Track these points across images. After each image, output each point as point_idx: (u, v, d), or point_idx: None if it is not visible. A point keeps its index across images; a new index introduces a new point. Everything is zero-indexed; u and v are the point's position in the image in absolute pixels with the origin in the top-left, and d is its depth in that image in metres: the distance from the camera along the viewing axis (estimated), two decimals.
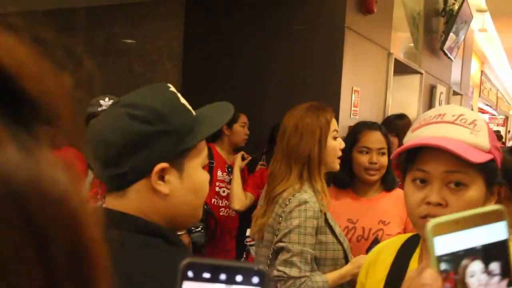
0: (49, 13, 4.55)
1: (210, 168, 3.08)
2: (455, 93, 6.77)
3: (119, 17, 4.21)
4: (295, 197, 1.70)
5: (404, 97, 5.01)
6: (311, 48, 3.36)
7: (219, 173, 3.09)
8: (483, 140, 0.91)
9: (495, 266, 0.53)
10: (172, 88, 0.97)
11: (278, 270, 1.65)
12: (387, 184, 2.09)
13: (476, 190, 0.91)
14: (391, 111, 4.06)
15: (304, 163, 1.75)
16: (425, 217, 0.92)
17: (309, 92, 3.28)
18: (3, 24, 0.26)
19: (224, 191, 3.05)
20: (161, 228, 0.90)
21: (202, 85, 3.73)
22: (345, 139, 2.03)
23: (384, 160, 2.05)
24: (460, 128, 0.92)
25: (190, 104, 1.00)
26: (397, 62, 4.23)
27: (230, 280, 0.39)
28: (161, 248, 0.88)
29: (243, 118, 3.16)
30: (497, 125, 13.93)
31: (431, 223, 0.52)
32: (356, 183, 2.09)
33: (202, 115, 0.97)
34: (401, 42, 4.80)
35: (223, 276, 0.39)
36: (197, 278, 0.39)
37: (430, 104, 5.65)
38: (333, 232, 1.75)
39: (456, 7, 5.48)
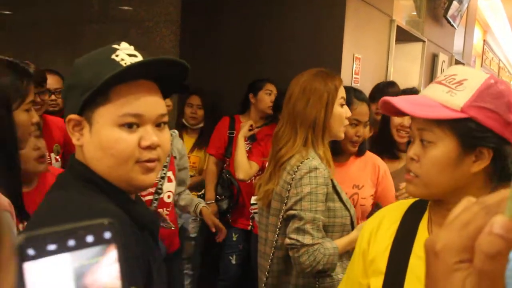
0: None
1: (230, 138, 3.10)
2: (457, 62, 6.69)
3: None
4: (304, 163, 1.68)
5: (406, 66, 4.94)
6: (312, 15, 3.27)
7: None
8: (459, 99, 0.90)
9: None
10: (117, 45, 0.95)
11: (291, 238, 1.64)
12: (360, 150, 2.12)
13: (442, 148, 0.93)
14: (393, 79, 3.99)
15: (309, 127, 1.72)
16: (407, 171, 1.00)
17: (310, 60, 3.21)
18: None
19: None
20: (92, 174, 0.93)
21: (200, 53, 3.66)
22: None
23: (366, 131, 2.10)
24: (438, 87, 0.94)
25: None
26: (399, 29, 4.15)
27: (80, 244, 0.34)
28: (76, 191, 0.91)
29: (268, 86, 3.12)
30: None
31: None
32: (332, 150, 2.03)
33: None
34: (403, 9, 4.70)
35: (71, 242, 0.34)
36: (41, 254, 0.33)
37: (431, 73, 5.58)
38: (340, 199, 1.75)
39: None
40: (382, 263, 1.04)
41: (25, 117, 1.40)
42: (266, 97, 3.11)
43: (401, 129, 2.32)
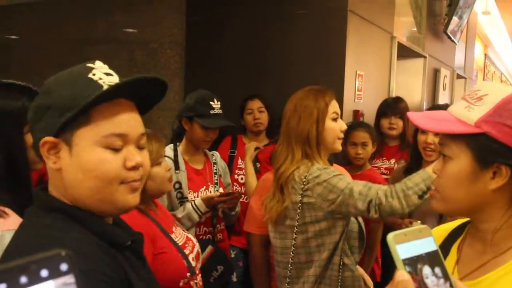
0: (49, 3, 4.53)
1: (231, 158, 3.12)
2: (459, 77, 6.72)
3: (120, 5, 4.18)
4: (313, 168, 1.75)
5: (408, 81, 4.98)
6: (313, 33, 3.32)
7: (239, 161, 3.10)
8: (474, 114, 0.88)
9: (438, 270, 0.65)
10: (92, 64, 0.93)
11: (365, 209, 1.65)
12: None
13: (458, 163, 0.91)
14: (395, 94, 4.03)
15: (304, 143, 1.80)
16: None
17: (312, 78, 3.25)
18: None
19: (242, 178, 3.05)
20: (59, 202, 0.90)
21: (204, 72, 3.71)
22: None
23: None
24: (461, 102, 0.93)
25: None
26: (400, 45, 4.19)
27: (34, 280, 0.32)
28: (43, 224, 0.88)
29: (250, 105, 3.14)
30: None
31: (391, 234, 0.65)
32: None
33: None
34: (404, 25, 4.76)
35: (23, 279, 0.32)
36: None
37: (434, 88, 5.61)
38: None
39: None
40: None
41: None
42: (248, 117, 3.12)
43: (426, 146, 2.33)
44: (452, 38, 5.57)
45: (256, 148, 2.97)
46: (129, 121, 0.92)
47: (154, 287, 1.02)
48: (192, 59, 3.82)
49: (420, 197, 1.62)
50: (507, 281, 0.87)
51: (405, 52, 4.52)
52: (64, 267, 0.34)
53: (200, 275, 1.80)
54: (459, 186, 0.91)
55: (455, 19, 5.38)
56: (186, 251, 1.73)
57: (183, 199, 2.33)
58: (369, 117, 3.48)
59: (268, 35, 3.49)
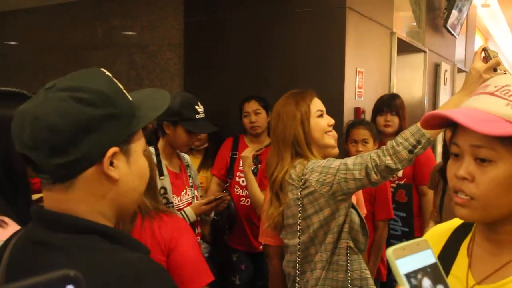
0: (48, 9, 4.53)
1: (232, 159, 3.12)
2: (460, 71, 6.69)
3: (118, 10, 4.18)
4: (307, 165, 1.77)
5: (409, 76, 4.95)
6: (313, 31, 3.31)
7: (241, 163, 3.07)
8: None
9: (437, 283, 0.67)
10: (107, 73, 0.91)
11: (364, 175, 1.66)
12: None
13: (504, 168, 0.83)
14: (396, 90, 4.01)
15: (293, 145, 1.82)
16: (456, 191, 0.88)
17: (312, 77, 3.24)
18: None
19: (243, 181, 3.03)
20: (94, 224, 0.85)
21: (204, 73, 3.70)
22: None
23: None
24: (495, 99, 0.84)
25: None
26: (400, 41, 4.17)
27: None
28: (95, 246, 0.82)
29: (246, 107, 3.13)
30: None
31: (391, 249, 0.66)
32: None
33: (136, 100, 0.92)
34: (403, 21, 4.73)
35: None
36: None
37: (435, 83, 5.59)
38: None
39: None
40: None
41: None
42: (245, 120, 3.12)
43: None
44: (452, 32, 5.54)
45: (257, 150, 2.96)
46: None
47: None
48: (191, 60, 3.81)
49: (410, 151, 1.63)
50: None
51: (405, 48, 4.50)
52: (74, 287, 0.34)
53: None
54: (506, 192, 0.84)
55: (454, 12, 5.35)
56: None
57: (168, 204, 2.32)
58: (371, 114, 3.46)
59: (267, 34, 3.48)
